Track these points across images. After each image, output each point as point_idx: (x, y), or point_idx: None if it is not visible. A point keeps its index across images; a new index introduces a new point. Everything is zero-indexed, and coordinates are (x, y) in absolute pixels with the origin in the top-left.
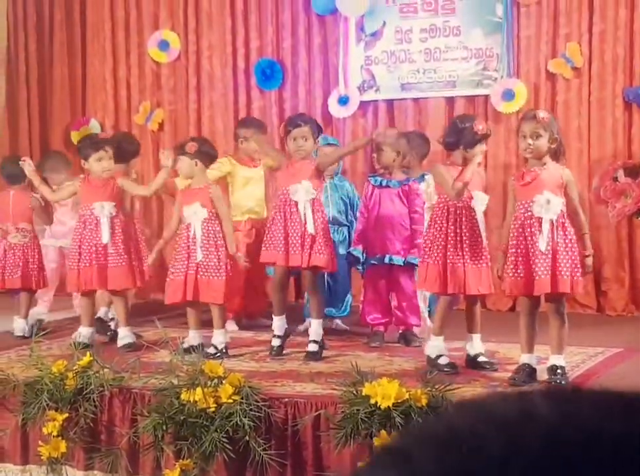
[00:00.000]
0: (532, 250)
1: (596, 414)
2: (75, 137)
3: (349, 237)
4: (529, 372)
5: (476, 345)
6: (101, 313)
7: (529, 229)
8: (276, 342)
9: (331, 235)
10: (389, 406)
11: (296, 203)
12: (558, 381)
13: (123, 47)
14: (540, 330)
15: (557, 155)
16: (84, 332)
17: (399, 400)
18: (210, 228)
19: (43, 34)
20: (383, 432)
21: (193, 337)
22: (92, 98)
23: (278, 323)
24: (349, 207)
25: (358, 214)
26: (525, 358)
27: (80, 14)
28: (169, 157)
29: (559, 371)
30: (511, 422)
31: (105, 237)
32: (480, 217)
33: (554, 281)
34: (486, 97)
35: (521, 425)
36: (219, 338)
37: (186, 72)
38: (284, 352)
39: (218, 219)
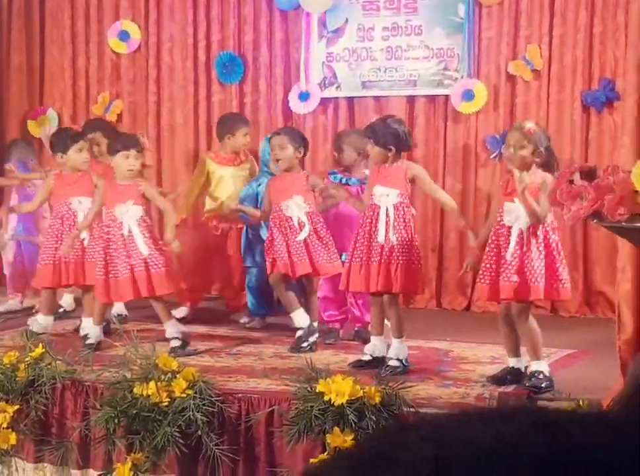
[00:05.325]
0: (502, 257)
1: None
2: (32, 126)
3: None
4: (514, 373)
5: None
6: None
7: (502, 237)
8: (300, 333)
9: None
10: (342, 404)
11: (291, 218)
12: (536, 387)
13: (83, 37)
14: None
15: (547, 167)
16: (42, 320)
17: (353, 398)
18: (145, 224)
19: (1, 21)
20: (336, 428)
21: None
22: (50, 88)
23: (299, 316)
24: None
25: None
26: (511, 362)
27: (39, 1)
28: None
29: (536, 376)
30: None
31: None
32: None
33: (517, 287)
34: (447, 97)
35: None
36: (173, 329)
37: (146, 63)
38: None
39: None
